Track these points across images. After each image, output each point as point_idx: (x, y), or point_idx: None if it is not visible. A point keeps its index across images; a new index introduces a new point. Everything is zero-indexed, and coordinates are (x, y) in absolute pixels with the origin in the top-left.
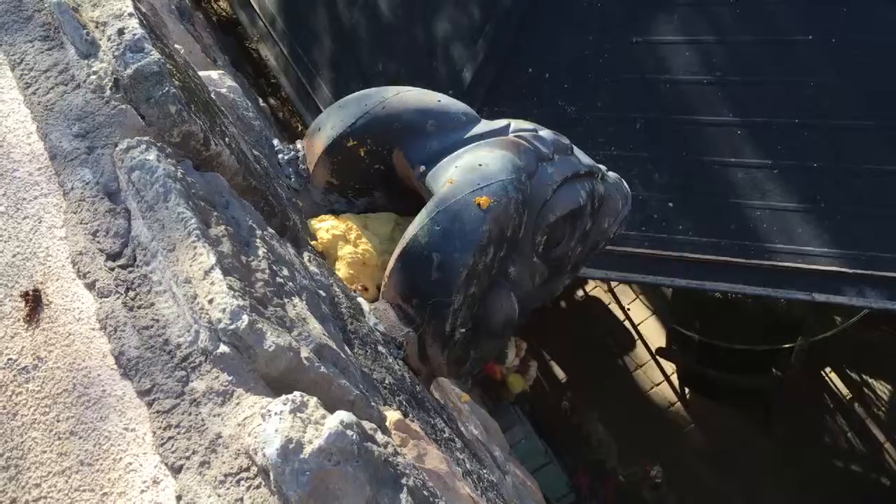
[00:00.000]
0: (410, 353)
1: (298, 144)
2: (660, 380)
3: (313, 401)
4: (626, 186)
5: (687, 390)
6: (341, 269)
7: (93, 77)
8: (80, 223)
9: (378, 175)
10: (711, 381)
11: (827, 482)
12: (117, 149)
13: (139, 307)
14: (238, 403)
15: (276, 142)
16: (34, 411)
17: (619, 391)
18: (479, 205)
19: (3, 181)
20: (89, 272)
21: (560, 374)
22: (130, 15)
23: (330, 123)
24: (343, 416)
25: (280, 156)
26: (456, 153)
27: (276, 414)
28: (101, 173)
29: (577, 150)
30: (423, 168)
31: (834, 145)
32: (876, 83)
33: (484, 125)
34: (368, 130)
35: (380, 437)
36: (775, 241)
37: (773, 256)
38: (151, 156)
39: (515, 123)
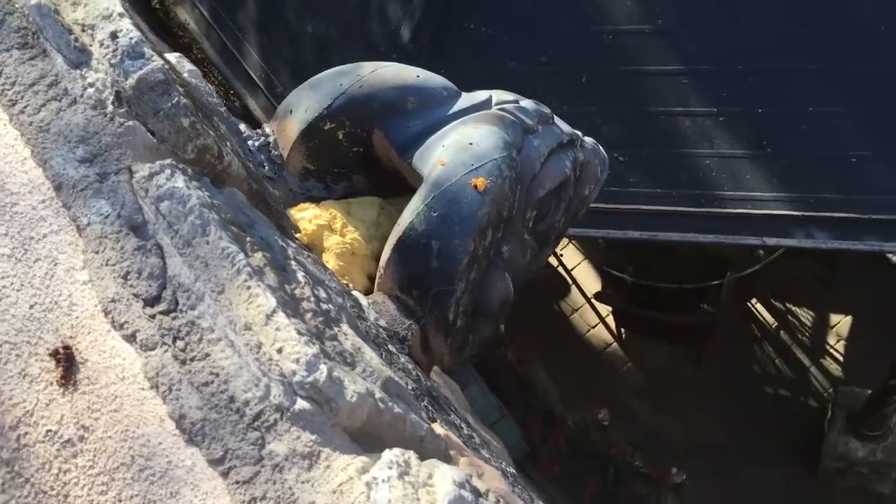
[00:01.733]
0: (413, 345)
1: (267, 129)
2: (595, 322)
3: (413, 458)
4: (603, 151)
5: (623, 331)
6: (330, 262)
7: (90, 90)
8: (106, 264)
9: (357, 158)
10: (645, 321)
11: (758, 408)
12: (137, 175)
13: (193, 359)
14: (328, 466)
15: (243, 127)
16: (89, 491)
17: (557, 337)
18: (475, 187)
19: (4, 218)
20: (126, 322)
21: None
22: (121, 15)
23: (303, 106)
24: (452, 474)
25: (250, 142)
26: (441, 132)
27: (383, 482)
28: (121, 204)
29: (556, 118)
30: (406, 148)
31: (778, 90)
32: (818, 26)
33: (465, 99)
34: (346, 112)
35: (477, 482)
36: (724, 188)
37: (723, 203)
38: (180, 182)
39: (497, 95)
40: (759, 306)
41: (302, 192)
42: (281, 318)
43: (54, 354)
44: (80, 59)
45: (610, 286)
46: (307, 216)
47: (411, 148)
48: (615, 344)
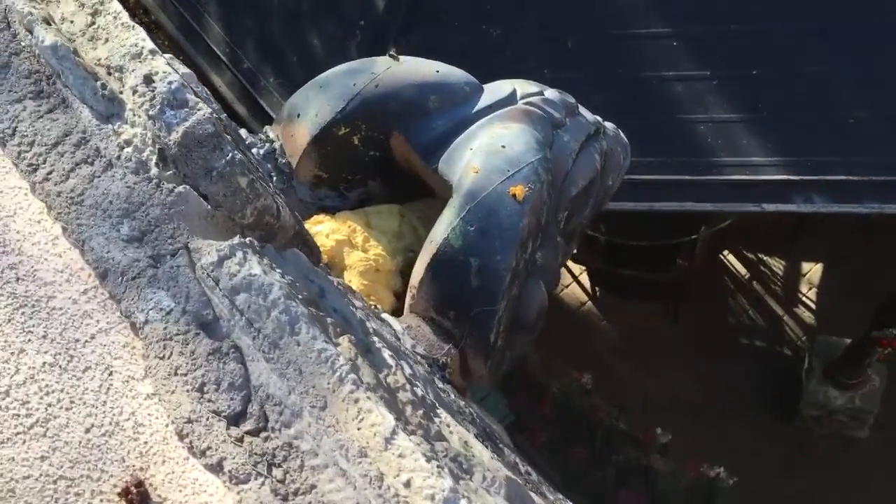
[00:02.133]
0: (453, 370)
1: (271, 133)
2: (569, 282)
3: None
4: (623, 136)
5: (597, 290)
6: (353, 281)
7: (128, 150)
8: (175, 373)
9: (373, 163)
10: (620, 279)
11: (734, 360)
12: (203, 262)
13: (297, 493)
14: None
15: (244, 132)
16: None
17: None
18: (514, 195)
19: (40, 316)
20: (209, 447)
21: None
22: (153, 53)
23: (313, 109)
24: None
25: (254, 150)
26: (467, 132)
27: None
28: (186, 296)
29: (580, 107)
30: (430, 152)
31: (773, 51)
32: None
33: (489, 94)
34: (362, 114)
35: None
36: (721, 154)
37: (721, 170)
38: (256, 268)
39: (520, 88)
40: (731, 258)
41: (313, 201)
42: (402, 440)
43: (125, 494)
44: (110, 109)
45: (583, 245)
46: (323, 230)
47: (436, 151)
48: (590, 303)
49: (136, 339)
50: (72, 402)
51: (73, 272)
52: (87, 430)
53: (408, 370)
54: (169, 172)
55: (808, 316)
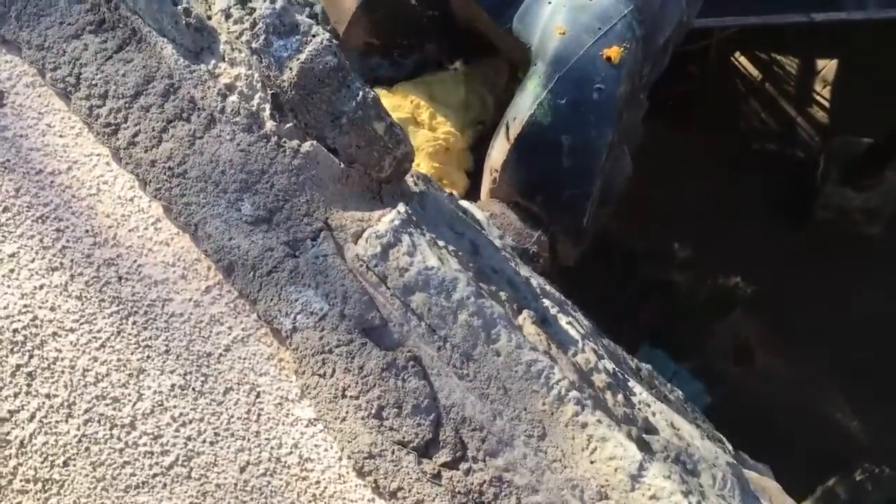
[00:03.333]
0: (542, 257)
1: None
2: None
3: None
4: None
5: None
6: (422, 164)
7: (232, 98)
8: (342, 395)
9: (431, 24)
10: None
11: (746, 167)
12: (361, 253)
13: None
14: None
15: None
16: None
17: None
18: (608, 59)
19: (155, 325)
20: (400, 488)
21: None
22: None
23: None
24: None
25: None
26: None
27: None
28: (342, 296)
29: None
30: (501, 9)
31: None
32: None
33: None
34: None
35: None
36: None
37: None
38: (431, 258)
39: None
40: (743, 60)
41: (363, 72)
42: (653, 476)
43: None
44: (198, 43)
45: None
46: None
47: (508, 8)
48: None
49: (280, 348)
50: (216, 434)
51: (188, 265)
52: (243, 469)
53: (592, 344)
54: (288, 125)
55: (822, 116)
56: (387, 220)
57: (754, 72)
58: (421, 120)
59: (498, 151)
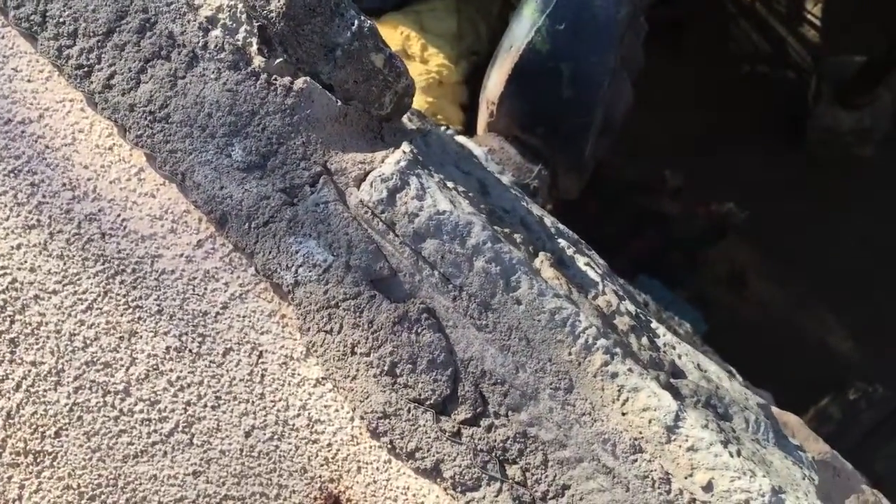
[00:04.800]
0: (542, 193)
1: None
2: None
3: None
4: None
5: None
6: (415, 99)
7: (216, 33)
8: (352, 352)
9: None
10: None
11: (737, 91)
12: (360, 195)
13: (545, 498)
14: None
15: None
16: None
17: None
18: None
19: (145, 284)
20: (418, 448)
21: None
22: None
23: None
24: None
25: None
26: None
27: None
28: (346, 246)
29: None
30: None
31: None
32: None
33: None
34: None
35: None
36: None
37: None
38: (442, 202)
39: None
40: None
41: None
42: (690, 426)
43: None
44: None
45: None
46: None
47: None
48: None
49: (282, 304)
50: (217, 397)
51: (177, 217)
52: (248, 434)
53: (597, 271)
54: (278, 61)
55: (813, 35)
56: (392, 161)
57: None
58: (412, 52)
59: (494, 83)
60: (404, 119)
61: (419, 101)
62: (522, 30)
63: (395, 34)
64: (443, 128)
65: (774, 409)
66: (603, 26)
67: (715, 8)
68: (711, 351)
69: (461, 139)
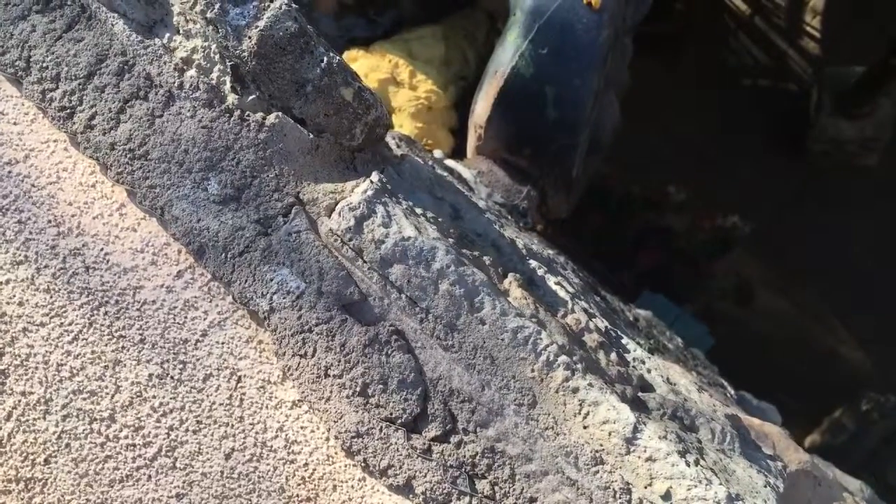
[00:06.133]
0: (531, 213)
1: None
2: None
3: None
4: None
5: None
6: (405, 125)
7: (191, 73)
8: (325, 375)
9: None
10: None
11: (739, 102)
12: (329, 224)
13: None
14: None
15: None
16: None
17: None
18: (589, 4)
19: (128, 315)
20: (390, 465)
21: None
22: None
23: None
24: None
25: None
26: None
27: None
28: (317, 273)
29: None
30: None
31: None
32: None
33: None
34: None
35: None
36: None
37: None
38: (408, 228)
39: None
40: None
41: (340, 34)
42: (648, 438)
43: None
44: (150, 15)
45: None
46: (361, 69)
47: None
48: None
49: (259, 330)
50: (199, 422)
51: (158, 250)
52: (228, 456)
53: (568, 288)
54: (251, 97)
55: (813, 46)
56: (360, 190)
57: (742, 6)
58: (401, 79)
59: (481, 107)
60: (392, 144)
61: (409, 127)
62: (507, 55)
63: (383, 62)
64: (433, 152)
65: (755, 421)
66: (585, 50)
67: (714, 21)
68: (704, 363)
69: (450, 162)
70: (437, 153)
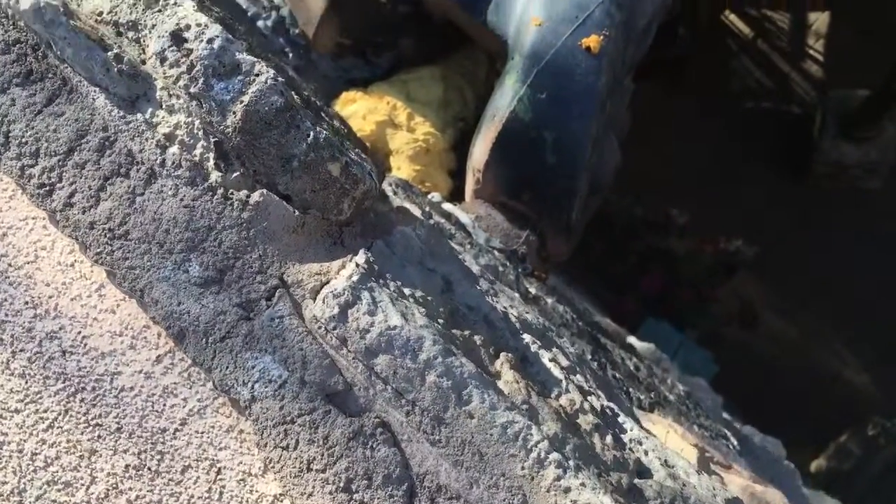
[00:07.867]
0: (530, 258)
1: None
2: None
3: None
4: None
5: None
6: (403, 168)
7: (173, 150)
8: (308, 469)
9: (404, 20)
10: None
11: (742, 126)
12: (314, 310)
13: None
14: None
15: (242, 1)
16: None
17: None
18: (588, 49)
19: (105, 402)
20: None
21: None
22: (175, 3)
23: None
24: None
25: (260, 22)
26: None
27: None
28: (301, 361)
29: None
30: (474, 1)
31: None
32: None
33: None
34: None
35: None
36: None
37: None
38: (394, 316)
39: None
40: (733, 18)
41: (338, 75)
42: None
43: None
44: (133, 90)
45: None
46: (359, 111)
47: (480, 0)
48: None
49: (240, 419)
50: None
51: (137, 334)
52: None
53: (566, 349)
54: (235, 174)
55: (816, 70)
56: (345, 275)
57: (746, 30)
58: (399, 122)
59: (479, 151)
60: (388, 191)
61: (407, 170)
62: (505, 99)
63: (381, 104)
64: (431, 195)
65: (757, 488)
66: (583, 95)
67: (717, 46)
68: (705, 415)
69: (448, 206)
70: (436, 196)
